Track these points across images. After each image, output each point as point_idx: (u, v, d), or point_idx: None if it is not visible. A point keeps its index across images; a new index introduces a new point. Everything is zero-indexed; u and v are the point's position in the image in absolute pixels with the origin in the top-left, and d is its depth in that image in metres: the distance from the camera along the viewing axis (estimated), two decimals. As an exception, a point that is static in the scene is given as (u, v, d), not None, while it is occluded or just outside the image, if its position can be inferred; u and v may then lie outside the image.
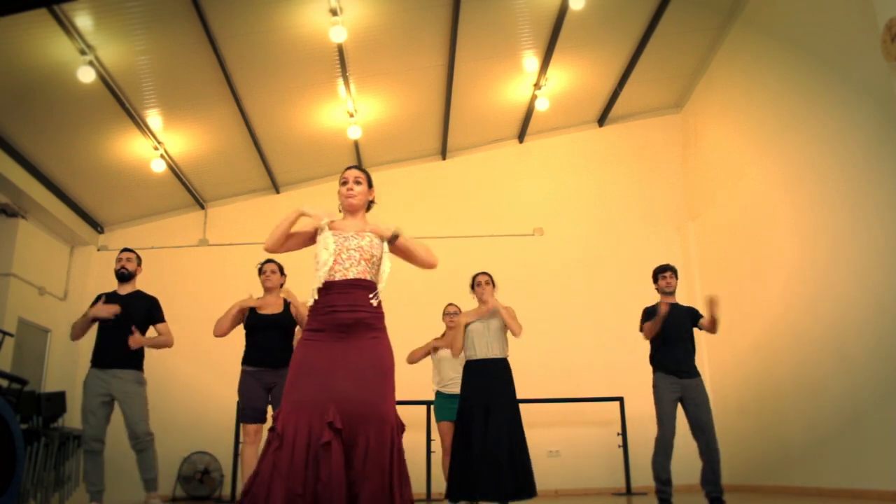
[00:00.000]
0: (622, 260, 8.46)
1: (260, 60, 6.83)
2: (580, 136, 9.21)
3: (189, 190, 8.59)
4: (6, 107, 6.50)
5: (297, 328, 4.91)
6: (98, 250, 8.83)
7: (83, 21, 5.84)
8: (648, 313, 5.29)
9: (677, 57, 8.18)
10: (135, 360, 5.01)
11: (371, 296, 2.82)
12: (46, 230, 8.08)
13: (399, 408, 6.96)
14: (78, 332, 4.90)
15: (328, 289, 2.80)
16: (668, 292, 5.33)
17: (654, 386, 5.13)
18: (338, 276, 2.81)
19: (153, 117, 7.30)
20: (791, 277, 6.46)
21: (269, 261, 4.98)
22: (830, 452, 5.78)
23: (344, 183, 3.08)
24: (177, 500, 7.75)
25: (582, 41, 7.49)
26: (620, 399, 7.70)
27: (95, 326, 4.97)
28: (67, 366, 8.21)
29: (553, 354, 8.17)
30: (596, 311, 8.37)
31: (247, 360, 4.83)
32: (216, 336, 4.89)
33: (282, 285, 4.97)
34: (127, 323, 4.88)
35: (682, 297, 8.57)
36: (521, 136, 9.16)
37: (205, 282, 8.71)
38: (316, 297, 2.81)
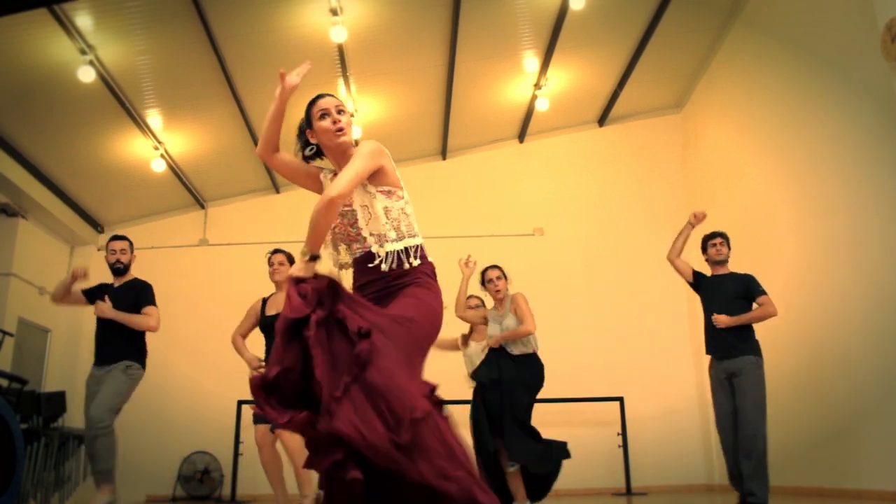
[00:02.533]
0: (622, 260, 8.45)
1: (260, 60, 6.83)
2: (580, 136, 9.20)
3: (189, 190, 8.59)
4: (6, 107, 6.50)
5: None
6: (98, 250, 8.82)
7: (83, 21, 5.84)
8: (699, 279, 5.06)
9: (677, 57, 8.18)
10: (129, 352, 4.74)
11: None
12: (46, 230, 8.08)
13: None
14: (58, 295, 4.76)
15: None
16: (718, 261, 5.04)
17: (709, 370, 4.92)
18: None
19: (153, 117, 7.29)
20: (791, 277, 6.46)
21: (277, 251, 4.75)
22: (830, 452, 5.78)
23: (324, 116, 2.51)
24: (177, 499, 7.75)
25: (582, 41, 7.48)
26: (620, 399, 7.70)
27: (94, 326, 4.88)
28: (67, 366, 8.20)
29: (553, 354, 8.10)
30: (596, 311, 8.36)
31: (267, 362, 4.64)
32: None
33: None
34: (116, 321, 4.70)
35: (683, 297, 8.59)
36: (521, 136, 9.16)
37: (205, 282, 8.71)
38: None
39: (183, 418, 8.07)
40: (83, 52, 6.01)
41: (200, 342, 8.41)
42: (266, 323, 4.62)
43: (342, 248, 2.49)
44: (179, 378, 8.26)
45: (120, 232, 8.89)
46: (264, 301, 4.74)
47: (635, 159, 9.01)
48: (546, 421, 8.08)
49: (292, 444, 4.33)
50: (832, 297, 5.83)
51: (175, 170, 8.10)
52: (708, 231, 5.22)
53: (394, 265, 2.36)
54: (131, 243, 5.03)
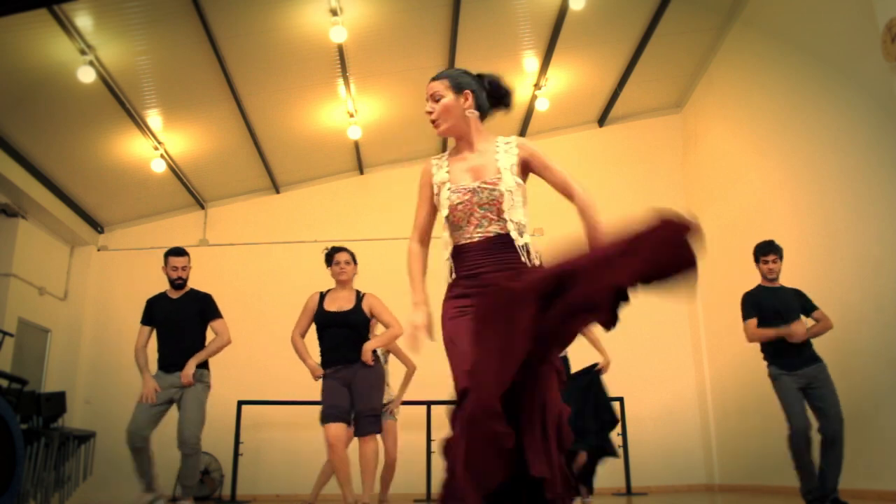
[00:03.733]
0: (622, 260, 8.44)
1: (260, 60, 6.83)
2: (580, 137, 9.20)
3: (189, 190, 8.59)
4: (6, 107, 6.50)
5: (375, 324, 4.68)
6: (98, 250, 8.83)
7: (83, 21, 5.84)
8: (750, 302, 4.94)
9: (677, 57, 8.18)
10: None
11: None
12: (46, 230, 8.08)
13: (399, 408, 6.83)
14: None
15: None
16: (770, 279, 4.96)
17: (773, 379, 4.77)
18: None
19: (153, 117, 7.30)
20: (790, 277, 6.45)
21: (341, 249, 4.71)
22: (830, 452, 5.77)
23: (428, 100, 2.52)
24: (177, 500, 7.74)
25: (582, 41, 7.49)
26: (620, 399, 7.70)
27: (155, 331, 5.05)
28: (67, 366, 8.22)
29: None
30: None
31: (322, 363, 4.55)
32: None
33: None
34: (180, 326, 4.89)
35: (683, 298, 8.59)
36: (521, 136, 9.16)
37: (204, 282, 8.62)
38: None
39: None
40: (83, 53, 6.01)
41: (200, 342, 8.42)
42: (325, 319, 4.52)
43: (467, 226, 2.44)
44: (179, 378, 8.26)
45: (119, 232, 8.96)
46: (322, 296, 4.65)
47: (635, 159, 9.01)
48: (546, 421, 8.11)
49: (372, 451, 4.38)
50: (832, 297, 5.83)
51: (175, 170, 8.10)
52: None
53: (525, 258, 2.40)
54: (189, 257, 5.19)
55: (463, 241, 2.44)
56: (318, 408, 8.00)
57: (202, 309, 5.02)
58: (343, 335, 4.47)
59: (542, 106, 8.10)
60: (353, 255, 4.75)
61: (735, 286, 7.40)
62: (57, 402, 6.16)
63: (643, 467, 7.76)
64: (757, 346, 5.04)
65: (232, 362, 8.34)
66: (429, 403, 7.29)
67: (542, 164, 2.57)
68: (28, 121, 6.77)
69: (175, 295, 5.08)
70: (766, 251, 5.00)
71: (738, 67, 7.57)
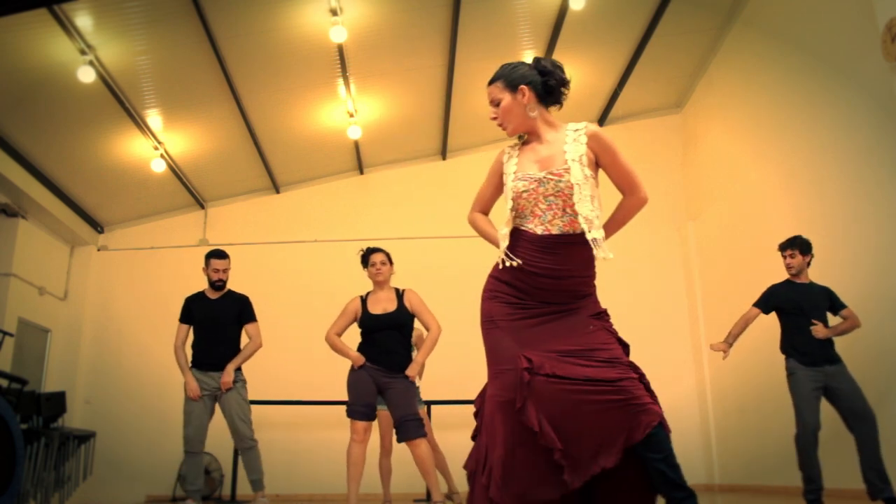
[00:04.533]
0: (622, 260, 8.40)
1: (260, 60, 6.83)
2: (580, 137, 9.20)
3: (189, 190, 8.59)
4: (6, 107, 6.50)
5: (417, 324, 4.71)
6: (98, 250, 8.83)
7: (83, 21, 5.84)
8: (765, 294, 4.91)
9: (677, 57, 8.18)
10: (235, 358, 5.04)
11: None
12: (46, 230, 8.08)
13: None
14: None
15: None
16: (790, 273, 4.91)
17: (789, 374, 4.75)
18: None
19: (153, 117, 7.30)
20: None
21: (376, 249, 4.70)
22: (830, 452, 5.77)
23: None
24: (177, 499, 7.74)
25: (582, 41, 7.49)
26: (620, 399, 7.70)
27: (191, 330, 5.14)
28: (67, 366, 8.22)
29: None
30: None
31: (362, 355, 4.52)
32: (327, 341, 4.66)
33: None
34: (219, 327, 5.01)
35: (683, 297, 8.60)
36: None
37: (204, 282, 8.68)
38: None
39: (183, 418, 8.07)
40: (83, 53, 6.01)
41: (200, 342, 8.42)
42: (373, 323, 4.50)
43: (531, 216, 2.36)
44: (179, 378, 8.23)
45: (119, 232, 8.96)
46: (363, 299, 4.63)
47: (635, 159, 8.83)
48: (546, 421, 8.11)
49: (425, 451, 4.38)
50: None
51: (175, 170, 8.10)
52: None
53: (601, 253, 2.35)
54: (230, 259, 5.32)
55: (524, 229, 2.36)
56: (318, 408, 8.00)
57: (241, 311, 5.13)
58: (393, 338, 4.48)
59: (542, 106, 8.09)
60: (388, 255, 4.72)
61: (735, 285, 7.41)
62: (57, 402, 6.16)
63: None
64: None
65: (232, 362, 8.37)
66: (429, 404, 7.29)
67: (610, 160, 2.48)
68: (28, 121, 6.77)
69: (214, 295, 5.19)
70: (785, 246, 5.01)
71: (738, 68, 7.57)
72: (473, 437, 2.41)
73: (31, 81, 6.29)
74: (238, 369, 5.05)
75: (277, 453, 7.88)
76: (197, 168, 8.32)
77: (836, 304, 4.87)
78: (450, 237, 8.42)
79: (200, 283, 9.15)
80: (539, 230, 2.33)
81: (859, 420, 4.48)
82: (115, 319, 8.55)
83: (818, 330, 4.68)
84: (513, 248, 2.37)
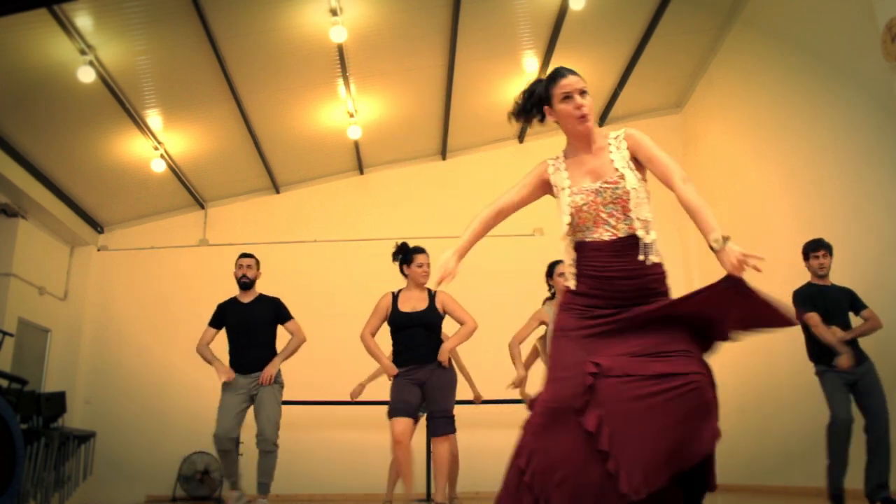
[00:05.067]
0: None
1: (260, 60, 6.83)
2: (580, 137, 9.20)
3: (189, 190, 8.59)
4: (6, 107, 6.50)
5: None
6: (98, 250, 8.84)
7: (83, 21, 5.84)
8: (802, 296, 4.86)
9: (677, 57, 8.18)
10: (273, 360, 5.07)
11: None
12: (46, 230, 8.08)
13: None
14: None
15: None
16: (821, 275, 4.89)
17: (819, 374, 4.72)
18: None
19: (153, 117, 7.30)
20: (790, 277, 6.45)
21: (422, 249, 4.64)
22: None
23: (567, 98, 2.39)
24: (177, 500, 7.75)
25: (582, 41, 7.49)
26: (620, 399, 7.70)
27: (224, 333, 5.18)
28: (67, 366, 8.22)
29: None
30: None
31: (396, 363, 4.48)
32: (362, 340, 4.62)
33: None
34: (253, 330, 5.02)
35: (682, 298, 8.59)
36: (521, 136, 9.16)
37: (204, 282, 8.70)
38: None
39: (183, 418, 8.07)
40: (83, 53, 6.01)
41: (200, 342, 8.42)
42: (402, 320, 4.46)
43: (594, 227, 2.39)
44: (179, 378, 8.27)
45: (119, 232, 8.97)
46: (394, 296, 4.58)
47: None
48: (546, 421, 8.11)
49: (446, 451, 4.34)
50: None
51: (175, 170, 8.10)
52: (809, 238, 5.08)
53: (653, 257, 2.36)
54: (258, 262, 5.29)
55: (589, 240, 2.41)
56: (318, 408, 7.99)
57: (276, 313, 5.17)
58: (420, 336, 4.41)
59: (542, 106, 8.10)
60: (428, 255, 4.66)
61: (735, 286, 7.41)
62: (57, 402, 6.16)
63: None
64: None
65: (232, 362, 8.37)
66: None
67: (647, 155, 2.51)
68: (28, 121, 6.77)
69: (246, 299, 5.19)
70: (816, 247, 4.97)
71: (738, 68, 7.56)
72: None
73: (31, 81, 6.29)
74: (278, 372, 5.08)
75: (278, 453, 7.89)
76: (197, 168, 8.32)
77: (857, 305, 4.87)
78: (450, 237, 8.40)
79: (200, 283, 9.20)
80: (606, 237, 2.38)
81: (877, 422, 4.50)
82: (115, 319, 8.55)
83: (834, 332, 4.68)
84: (579, 261, 2.43)
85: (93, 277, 8.68)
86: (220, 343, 5.21)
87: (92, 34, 5.98)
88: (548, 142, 9.25)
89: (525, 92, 2.55)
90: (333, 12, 6.23)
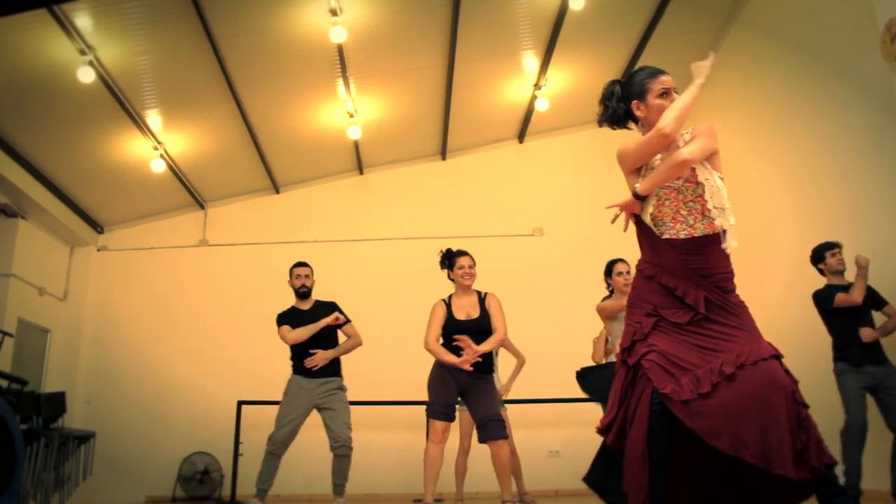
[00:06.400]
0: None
1: (260, 60, 6.83)
2: (580, 137, 9.20)
3: (189, 190, 8.59)
4: (6, 107, 6.50)
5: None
6: (98, 250, 8.83)
7: (83, 21, 5.84)
8: (823, 297, 4.89)
9: (677, 58, 8.14)
10: (335, 367, 5.20)
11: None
12: (46, 230, 8.08)
13: (399, 408, 6.92)
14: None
15: None
16: (839, 271, 4.94)
17: (837, 375, 4.77)
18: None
19: (153, 117, 7.30)
20: (789, 277, 6.46)
21: (463, 252, 4.64)
22: (835, 451, 5.77)
23: (665, 94, 2.66)
24: (177, 500, 7.75)
25: (582, 41, 7.48)
26: (620, 399, 7.70)
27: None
28: (67, 366, 8.22)
29: (553, 354, 8.18)
30: (595, 311, 8.35)
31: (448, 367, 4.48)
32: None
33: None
34: (316, 336, 5.11)
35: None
36: (521, 137, 9.16)
37: (204, 282, 8.71)
38: None
39: (183, 418, 8.08)
40: (83, 53, 6.01)
41: (200, 342, 8.42)
42: (457, 329, 4.46)
43: (672, 222, 2.49)
44: (179, 378, 8.27)
45: (119, 232, 8.97)
46: (447, 304, 4.59)
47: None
48: (546, 421, 8.10)
49: (506, 452, 4.36)
50: (832, 297, 5.83)
51: (175, 170, 8.10)
52: (822, 240, 5.12)
53: (732, 242, 2.45)
54: (312, 268, 5.51)
55: (667, 236, 2.49)
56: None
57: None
58: (476, 343, 4.38)
59: (541, 106, 8.10)
60: (472, 258, 4.68)
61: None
62: (57, 403, 6.16)
63: (643, 467, 7.76)
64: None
65: (232, 362, 8.37)
66: (428, 404, 7.29)
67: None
68: (28, 121, 6.77)
69: (305, 306, 5.33)
70: (832, 245, 5.04)
71: (738, 68, 7.56)
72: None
73: (31, 81, 6.29)
74: (340, 375, 5.18)
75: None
76: (197, 168, 8.32)
77: (878, 302, 4.90)
78: (450, 237, 8.41)
79: (200, 284, 9.22)
80: (682, 235, 2.47)
81: (894, 417, 4.55)
82: (114, 319, 8.55)
83: (867, 333, 4.70)
84: (655, 256, 2.51)
85: (93, 277, 8.68)
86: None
87: (92, 34, 5.98)
88: (547, 142, 9.29)
89: (606, 94, 2.72)
90: (333, 12, 6.23)
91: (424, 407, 7.34)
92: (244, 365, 8.21)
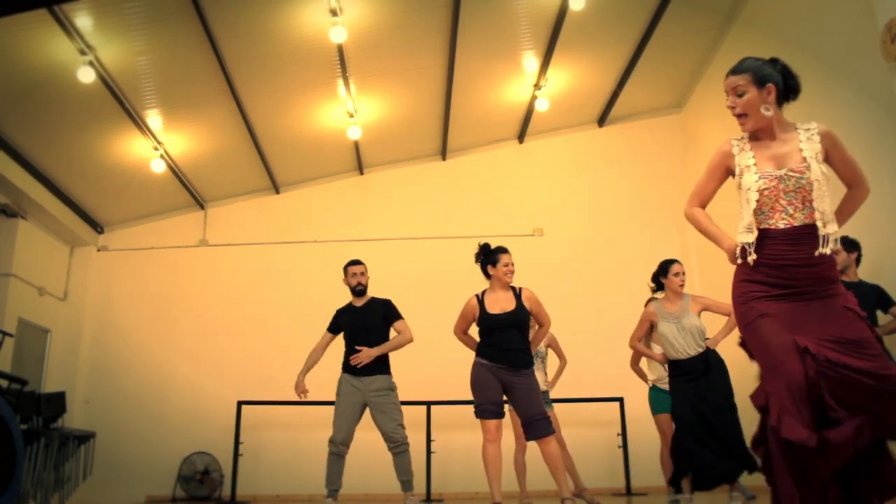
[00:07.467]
0: (621, 260, 8.45)
1: (260, 60, 6.83)
2: (580, 137, 9.21)
3: (189, 190, 8.59)
4: (6, 107, 6.50)
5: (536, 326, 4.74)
6: (98, 250, 8.84)
7: (83, 21, 5.84)
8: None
9: (677, 58, 8.18)
10: (383, 365, 5.20)
11: None
12: (46, 230, 8.09)
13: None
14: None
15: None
16: (842, 270, 4.86)
17: None
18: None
19: (153, 117, 7.30)
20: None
21: (504, 249, 4.68)
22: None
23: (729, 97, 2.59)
24: (177, 500, 7.75)
25: (582, 42, 7.49)
26: (620, 399, 7.71)
27: (341, 335, 5.33)
28: (67, 366, 8.22)
29: (552, 354, 8.18)
30: (595, 312, 8.36)
31: (483, 354, 4.49)
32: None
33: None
34: (367, 332, 5.16)
35: (682, 298, 8.59)
36: (521, 137, 9.16)
37: (204, 282, 8.71)
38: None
39: (183, 419, 8.08)
40: (83, 53, 6.01)
41: (200, 342, 8.42)
42: (493, 323, 4.48)
43: (770, 212, 2.48)
44: (179, 378, 8.27)
45: (119, 232, 8.97)
46: (479, 299, 4.62)
47: (635, 160, 9.01)
48: (546, 421, 8.11)
49: (556, 448, 4.38)
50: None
51: (175, 170, 8.10)
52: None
53: (828, 249, 2.42)
54: (365, 265, 5.47)
55: (765, 226, 2.48)
56: (318, 408, 7.99)
57: (385, 313, 5.28)
58: (515, 338, 4.44)
59: (541, 106, 8.10)
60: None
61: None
62: (57, 403, 6.16)
63: (643, 467, 7.75)
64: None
65: (232, 362, 8.37)
66: (429, 404, 7.30)
67: (840, 156, 2.63)
68: (28, 121, 6.77)
69: (359, 303, 5.36)
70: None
71: (738, 68, 7.56)
72: (756, 443, 2.51)
73: (31, 81, 6.29)
74: (387, 373, 5.19)
75: (277, 453, 7.89)
76: (197, 168, 8.32)
77: (885, 302, 4.88)
78: (450, 237, 8.43)
79: (200, 284, 9.22)
80: (782, 224, 2.46)
81: None
82: (114, 319, 8.55)
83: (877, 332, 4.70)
84: (758, 248, 2.48)
85: (93, 278, 8.68)
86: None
87: (92, 34, 5.98)
88: (547, 142, 9.29)
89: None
90: (333, 12, 6.23)
91: (433, 407, 7.39)
92: (244, 365, 8.22)
